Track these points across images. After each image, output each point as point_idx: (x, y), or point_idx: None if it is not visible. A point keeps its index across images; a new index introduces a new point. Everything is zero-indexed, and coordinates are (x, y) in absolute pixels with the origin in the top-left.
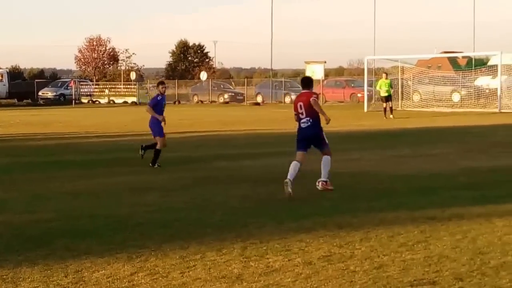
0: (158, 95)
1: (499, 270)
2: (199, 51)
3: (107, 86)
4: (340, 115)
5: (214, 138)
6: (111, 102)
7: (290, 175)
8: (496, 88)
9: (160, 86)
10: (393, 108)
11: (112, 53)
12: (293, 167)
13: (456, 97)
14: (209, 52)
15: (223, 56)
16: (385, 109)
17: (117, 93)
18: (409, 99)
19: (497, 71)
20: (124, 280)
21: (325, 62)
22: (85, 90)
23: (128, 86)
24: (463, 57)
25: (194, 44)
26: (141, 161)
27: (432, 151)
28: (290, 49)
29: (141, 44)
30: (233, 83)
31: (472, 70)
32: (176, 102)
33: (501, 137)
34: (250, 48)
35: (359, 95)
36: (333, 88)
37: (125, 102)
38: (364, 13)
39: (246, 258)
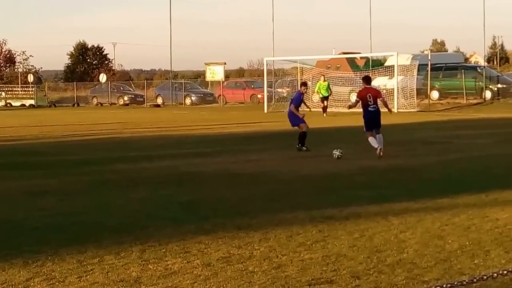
0: (300, 94)
1: (395, 267)
2: (98, 53)
3: (4, 89)
4: (240, 116)
5: (114, 140)
6: (8, 105)
7: (375, 143)
8: (393, 88)
9: (303, 87)
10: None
11: (8, 56)
12: (372, 140)
13: (354, 97)
14: (108, 54)
15: (122, 58)
16: (323, 107)
17: (14, 96)
18: (309, 99)
19: (393, 71)
20: (20, 286)
21: (225, 63)
22: None
23: (26, 89)
24: (361, 57)
25: (93, 46)
26: (39, 165)
27: (331, 151)
28: (190, 50)
29: (38, 46)
30: (132, 85)
31: (370, 71)
32: (75, 105)
33: (398, 136)
34: (150, 49)
35: (259, 96)
36: (233, 89)
37: (23, 105)
38: (263, 14)
39: (144, 261)
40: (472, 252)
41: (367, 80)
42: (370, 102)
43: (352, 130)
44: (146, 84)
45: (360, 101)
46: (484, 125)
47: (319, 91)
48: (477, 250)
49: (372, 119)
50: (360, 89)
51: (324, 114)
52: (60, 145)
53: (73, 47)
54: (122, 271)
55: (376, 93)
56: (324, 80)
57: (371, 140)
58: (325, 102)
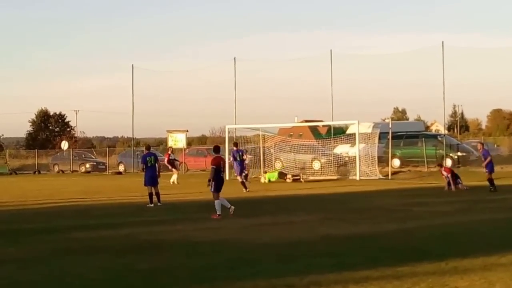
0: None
1: None
2: (60, 120)
3: None
4: (201, 184)
5: (74, 208)
6: None
7: (226, 204)
8: (355, 156)
9: None
10: (256, 176)
11: None
12: (222, 201)
13: (316, 165)
14: (70, 121)
15: (85, 125)
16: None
17: None
18: (271, 166)
19: (355, 139)
20: None
21: (187, 130)
22: None
23: None
24: (323, 125)
25: (55, 113)
26: None
27: (292, 219)
28: (153, 118)
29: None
30: (94, 152)
31: (332, 139)
32: (36, 172)
33: (360, 204)
34: (112, 117)
35: None
36: (195, 156)
37: None
38: (225, 81)
39: None
40: None
41: (218, 149)
42: (222, 169)
43: (314, 197)
44: (108, 152)
45: (215, 167)
46: (444, 193)
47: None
48: None
49: (221, 182)
50: (303, 155)
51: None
52: (19, 213)
53: (35, 114)
54: None
55: (223, 160)
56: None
57: (222, 201)
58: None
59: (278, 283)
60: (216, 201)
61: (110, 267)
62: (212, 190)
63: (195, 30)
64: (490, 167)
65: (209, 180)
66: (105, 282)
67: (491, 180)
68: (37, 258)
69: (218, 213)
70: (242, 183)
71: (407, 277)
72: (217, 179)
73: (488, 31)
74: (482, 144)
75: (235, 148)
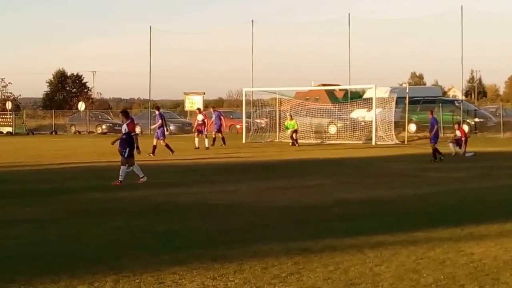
0: None
1: None
2: (77, 81)
3: None
4: (218, 146)
5: (90, 169)
6: None
7: (140, 172)
8: (371, 121)
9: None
10: (272, 140)
11: None
12: (136, 168)
13: (332, 129)
14: (87, 82)
15: (102, 86)
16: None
17: None
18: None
19: (372, 104)
20: None
21: (204, 93)
22: None
23: (4, 116)
24: (340, 89)
25: (72, 74)
26: (14, 193)
27: (307, 183)
28: (170, 80)
29: (17, 73)
30: (111, 113)
31: (349, 103)
32: (53, 133)
33: (376, 169)
34: (129, 78)
35: (237, 126)
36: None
37: (1, 132)
38: (243, 44)
39: None
40: (446, 286)
41: (128, 114)
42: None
43: (330, 161)
44: None
45: (134, 133)
46: (460, 159)
47: (287, 128)
48: (451, 285)
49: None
50: (319, 119)
51: (297, 144)
52: (36, 173)
53: (52, 75)
54: None
55: None
56: (291, 119)
57: (136, 167)
58: (295, 135)
59: (293, 247)
60: (123, 167)
61: (126, 229)
62: (126, 156)
63: None
64: (435, 138)
65: (134, 147)
66: (121, 243)
67: (435, 151)
68: (53, 219)
69: (120, 179)
70: (167, 145)
71: (422, 243)
72: (133, 144)
73: None
74: (432, 111)
75: (157, 112)
